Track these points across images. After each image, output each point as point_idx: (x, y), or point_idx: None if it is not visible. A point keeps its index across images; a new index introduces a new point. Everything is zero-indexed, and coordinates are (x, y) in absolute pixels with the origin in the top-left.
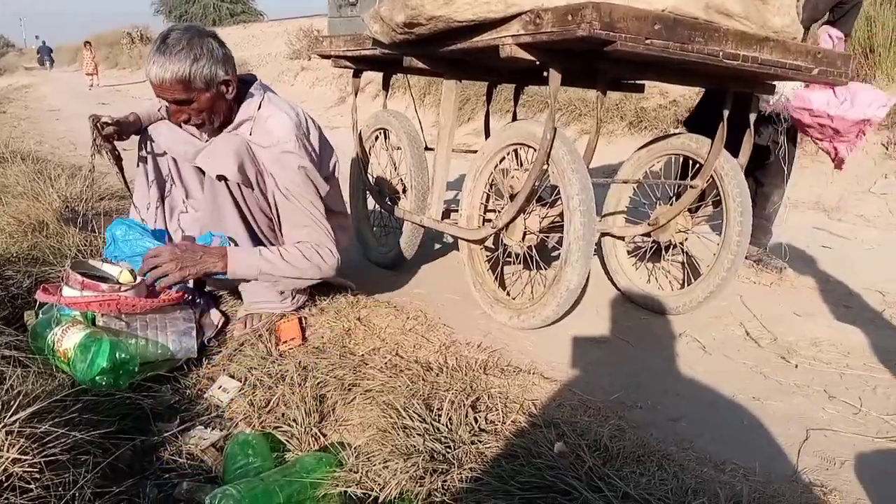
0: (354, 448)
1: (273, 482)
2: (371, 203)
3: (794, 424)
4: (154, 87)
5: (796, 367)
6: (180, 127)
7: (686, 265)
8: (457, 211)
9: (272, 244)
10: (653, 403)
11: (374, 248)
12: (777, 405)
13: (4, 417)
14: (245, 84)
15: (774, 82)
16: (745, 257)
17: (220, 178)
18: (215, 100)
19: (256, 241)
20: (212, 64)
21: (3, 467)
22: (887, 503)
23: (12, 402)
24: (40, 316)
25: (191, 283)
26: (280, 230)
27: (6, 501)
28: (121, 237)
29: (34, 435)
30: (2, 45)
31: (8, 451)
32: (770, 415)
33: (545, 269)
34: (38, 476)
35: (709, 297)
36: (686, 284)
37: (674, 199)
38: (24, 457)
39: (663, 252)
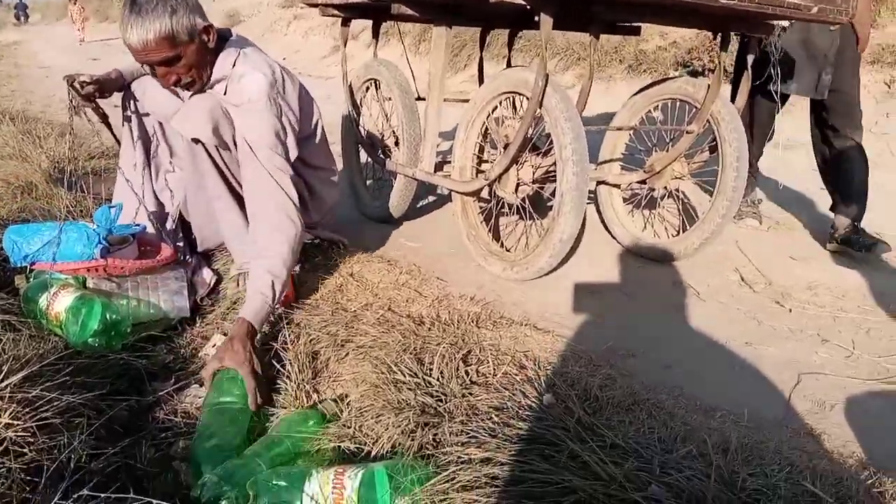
0: (347, 403)
1: (254, 455)
2: (364, 156)
3: (786, 369)
4: (138, 53)
5: (790, 311)
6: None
7: (682, 212)
8: (450, 162)
9: None
10: (645, 351)
11: (368, 202)
12: (770, 350)
13: None
14: (221, 40)
15: (774, 22)
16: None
17: (196, 140)
18: (200, 50)
19: (240, 200)
20: (189, 12)
21: None
22: (874, 444)
23: (3, 367)
24: (31, 280)
25: (181, 243)
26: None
27: (1, 466)
28: (20, 238)
29: (26, 399)
30: None
31: (0, 417)
32: (762, 360)
33: (540, 220)
34: (31, 440)
35: (704, 243)
36: (682, 231)
37: (669, 145)
38: (16, 422)
39: (659, 199)
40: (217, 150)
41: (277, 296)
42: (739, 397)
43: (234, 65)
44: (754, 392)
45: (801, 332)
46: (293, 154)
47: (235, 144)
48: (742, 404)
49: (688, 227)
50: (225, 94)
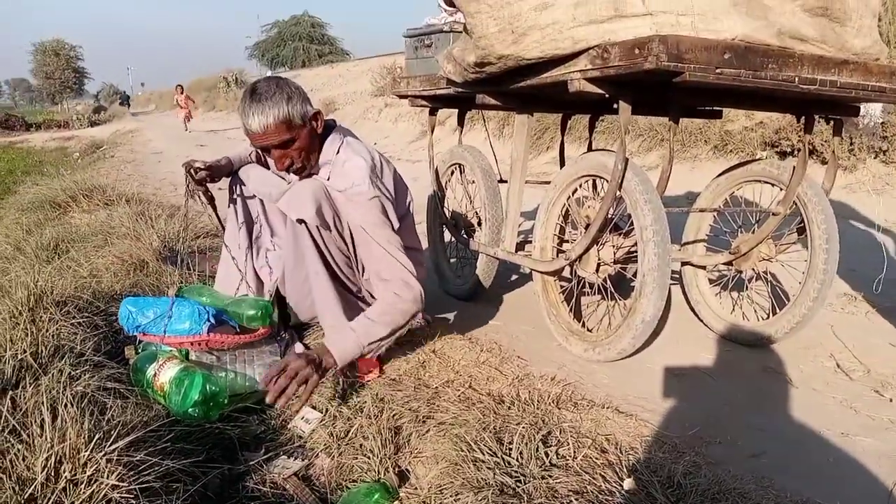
0: (427, 480)
1: None
2: (448, 236)
3: (885, 462)
4: (257, 138)
5: (891, 401)
6: (267, 168)
7: (771, 294)
8: (531, 242)
9: (350, 280)
10: (733, 439)
11: (451, 281)
12: (868, 441)
13: (105, 446)
14: (326, 128)
15: (860, 105)
16: None
17: (300, 220)
18: (311, 135)
19: (335, 277)
20: (302, 101)
21: (103, 493)
22: None
23: (112, 432)
24: (140, 352)
25: (275, 317)
26: (358, 266)
27: None
28: (135, 308)
29: (130, 463)
30: (112, 94)
31: (108, 478)
32: (860, 452)
33: (622, 300)
34: (133, 502)
35: (795, 327)
36: (772, 314)
37: (755, 226)
38: (121, 484)
39: (746, 282)
40: (318, 229)
41: (367, 345)
42: (834, 490)
43: (337, 151)
44: (850, 485)
45: None
46: (395, 227)
47: (335, 226)
48: (836, 498)
49: (778, 311)
50: (328, 179)
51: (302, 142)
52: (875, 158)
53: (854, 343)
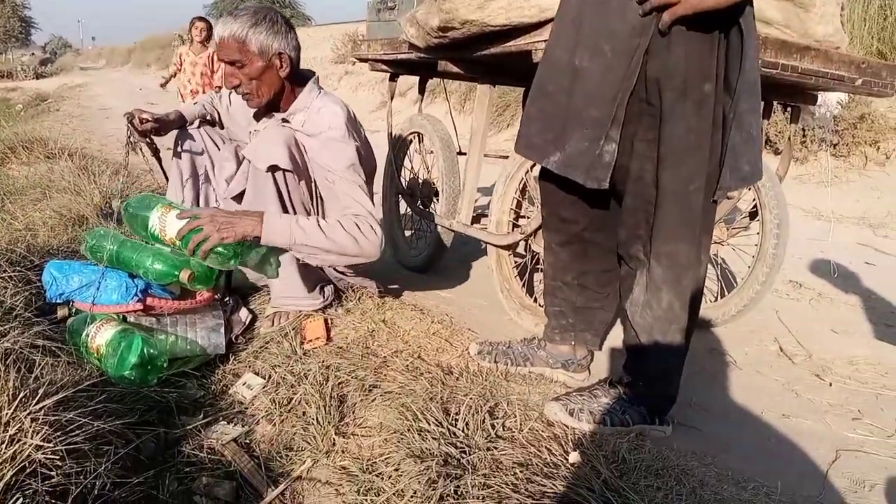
0: (371, 449)
1: None
2: (403, 206)
3: (823, 444)
4: (217, 47)
5: (830, 385)
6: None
7: (720, 278)
8: (488, 216)
9: None
10: (677, 417)
11: (405, 251)
12: (807, 424)
13: (30, 405)
14: (304, 78)
15: (818, 93)
16: None
17: (271, 168)
18: (265, 71)
19: None
20: (269, 34)
21: (26, 454)
22: None
23: (39, 390)
24: (74, 312)
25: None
26: (323, 216)
27: (27, 487)
28: (59, 274)
29: (58, 423)
30: (60, 46)
31: (31, 438)
32: (799, 433)
33: None
34: (59, 464)
35: (742, 310)
36: (720, 297)
37: None
38: (46, 444)
39: None
40: (285, 182)
41: (299, 241)
42: (773, 470)
43: (313, 100)
44: (789, 466)
45: (840, 407)
46: (363, 180)
47: (304, 173)
48: (776, 477)
49: (726, 294)
50: (303, 125)
51: (251, 71)
52: (826, 151)
53: (797, 328)
